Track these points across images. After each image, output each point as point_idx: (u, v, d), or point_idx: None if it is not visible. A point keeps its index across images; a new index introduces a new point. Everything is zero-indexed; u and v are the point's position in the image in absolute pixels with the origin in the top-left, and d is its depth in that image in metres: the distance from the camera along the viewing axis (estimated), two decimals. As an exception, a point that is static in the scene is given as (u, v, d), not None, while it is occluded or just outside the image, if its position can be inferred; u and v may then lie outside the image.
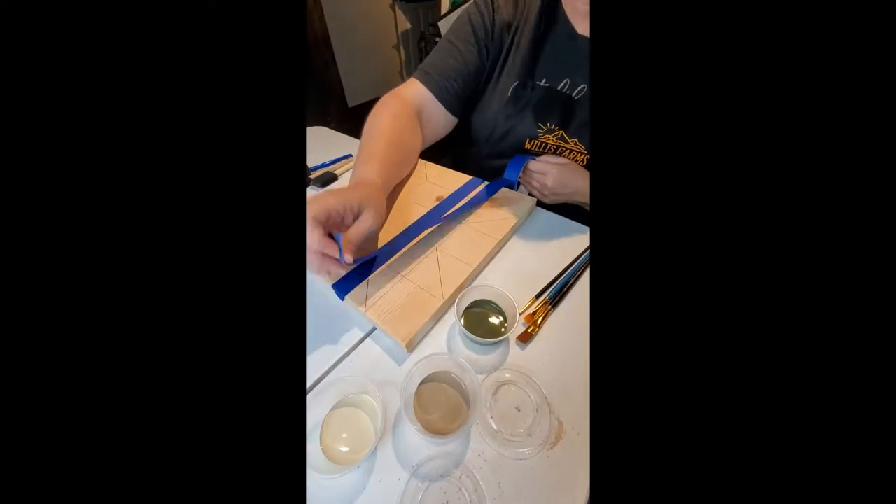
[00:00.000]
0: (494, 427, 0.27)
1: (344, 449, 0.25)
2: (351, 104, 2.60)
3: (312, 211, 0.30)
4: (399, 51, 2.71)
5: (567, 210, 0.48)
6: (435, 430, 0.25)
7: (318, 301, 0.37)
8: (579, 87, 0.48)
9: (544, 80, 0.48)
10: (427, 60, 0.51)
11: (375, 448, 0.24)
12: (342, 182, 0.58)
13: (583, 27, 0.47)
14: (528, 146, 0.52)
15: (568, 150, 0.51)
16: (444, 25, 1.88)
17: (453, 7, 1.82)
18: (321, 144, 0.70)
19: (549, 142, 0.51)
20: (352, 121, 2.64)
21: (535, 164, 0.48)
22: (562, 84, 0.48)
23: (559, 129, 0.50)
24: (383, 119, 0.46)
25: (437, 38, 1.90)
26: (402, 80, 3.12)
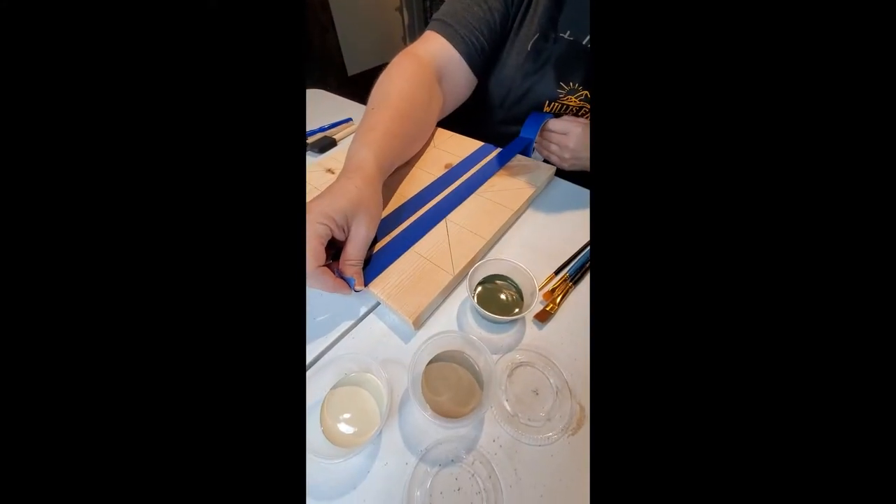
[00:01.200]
0: (510, 411, 0.24)
1: (347, 430, 0.23)
2: (351, 73, 2.46)
3: (318, 217, 0.27)
4: (402, 13, 2.52)
5: (589, 179, 0.44)
6: (445, 412, 0.23)
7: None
8: None
9: (568, 33, 0.42)
10: (445, 8, 0.43)
11: (381, 430, 0.22)
12: (340, 148, 0.53)
13: None
14: (547, 109, 0.47)
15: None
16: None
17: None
18: (319, 108, 0.65)
19: (572, 103, 0.46)
20: (350, 89, 2.51)
21: (555, 124, 0.43)
22: (587, 38, 0.42)
23: (583, 90, 0.44)
24: (394, 83, 0.39)
25: (444, -2, 1.76)
26: (406, 45, 2.97)
